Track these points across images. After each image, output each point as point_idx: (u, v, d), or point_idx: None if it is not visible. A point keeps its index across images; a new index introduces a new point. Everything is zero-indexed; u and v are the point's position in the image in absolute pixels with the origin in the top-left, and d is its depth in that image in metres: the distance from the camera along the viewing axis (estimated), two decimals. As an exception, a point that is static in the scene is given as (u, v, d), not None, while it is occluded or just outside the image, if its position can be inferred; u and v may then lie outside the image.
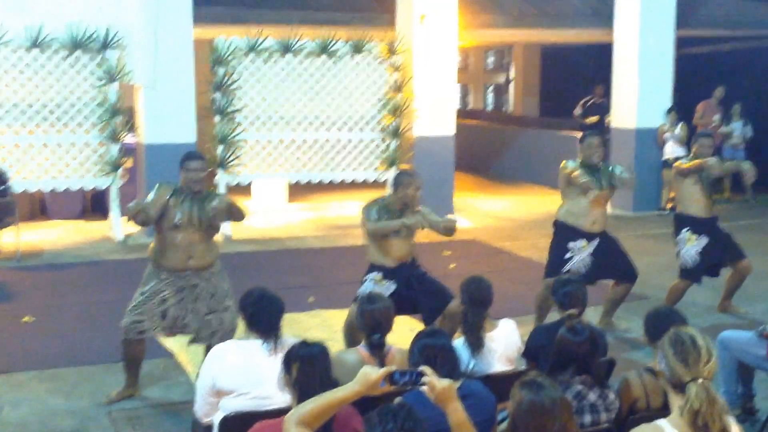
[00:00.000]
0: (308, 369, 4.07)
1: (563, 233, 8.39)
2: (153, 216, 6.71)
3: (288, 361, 4.14)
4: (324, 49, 13.42)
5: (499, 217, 15.09)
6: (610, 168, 8.41)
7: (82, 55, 12.24)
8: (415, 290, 7.37)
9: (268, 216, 14.69)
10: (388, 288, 7.27)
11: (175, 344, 7.77)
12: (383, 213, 7.31)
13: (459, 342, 5.55)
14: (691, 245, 8.76)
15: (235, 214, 6.94)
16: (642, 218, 14.51)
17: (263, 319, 5.07)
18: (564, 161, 8.41)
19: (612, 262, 8.44)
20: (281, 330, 5.08)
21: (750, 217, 14.54)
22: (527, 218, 14.66)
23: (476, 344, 5.57)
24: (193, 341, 6.98)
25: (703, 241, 8.78)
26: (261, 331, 5.05)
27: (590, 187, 8.18)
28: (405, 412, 3.34)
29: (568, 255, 8.26)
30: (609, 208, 14.42)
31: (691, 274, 8.86)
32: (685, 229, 8.85)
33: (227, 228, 12.77)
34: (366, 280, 7.39)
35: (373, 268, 7.42)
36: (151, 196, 6.79)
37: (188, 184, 6.80)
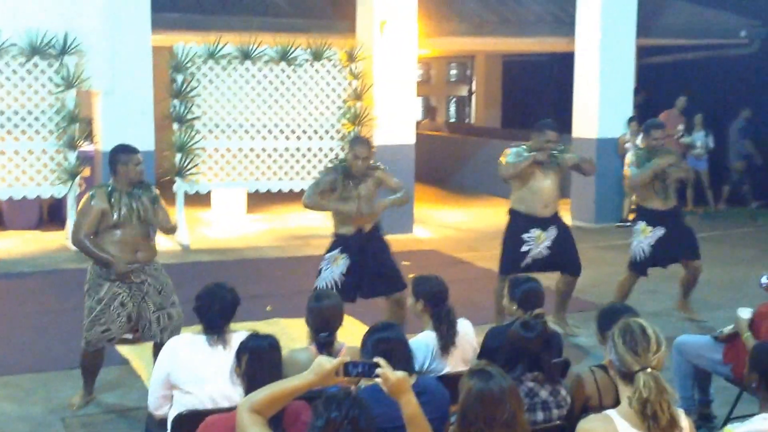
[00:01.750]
0: (256, 362, 4.12)
1: (516, 223, 8.42)
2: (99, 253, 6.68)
3: (239, 353, 4.20)
4: (283, 56, 13.33)
5: (459, 229, 15.05)
6: (561, 151, 8.45)
7: (40, 61, 12.06)
8: (369, 268, 7.55)
9: (226, 226, 14.56)
10: (343, 264, 7.48)
11: (130, 351, 7.74)
12: (335, 175, 7.49)
13: (424, 340, 5.50)
14: (645, 237, 8.83)
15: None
16: (604, 230, 14.50)
17: (206, 313, 5.08)
18: (505, 150, 8.41)
19: (565, 255, 8.48)
20: (227, 325, 5.08)
21: (712, 229, 14.55)
22: (487, 229, 14.57)
23: (451, 342, 5.52)
24: (140, 339, 6.95)
25: (658, 232, 8.80)
26: (204, 325, 5.08)
27: (531, 175, 8.24)
28: (350, 400, 3.31)
29: (524, 248, 8.24)
30: (570, 221, 14.59)
31: (638, 267, 8.95)
32: (641, 221, 8.91)
33: (185, 237, 12.64)
34: (325, 259, 7.56)
35: (335, 238, 7.63)
36: (84, 220, 6.67)
37: (130, 178, 6.75)
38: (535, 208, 8.31)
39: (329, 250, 7.69)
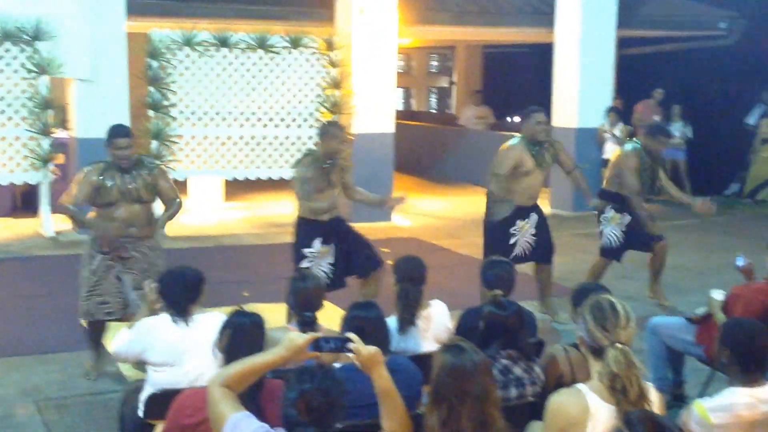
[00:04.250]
0: (237, 338, 4.17)
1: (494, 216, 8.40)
2: (78, 215, 6.88)
3: (222, 327, 4.26)
4: (261, 43, 13.21)
5: (439, 217, 15.03)
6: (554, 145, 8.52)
7: (12, 46, 11.92)
8: (351, 246, 7.67)
9: (203, 214, 14.47)
10: (331, 253, 7.59)
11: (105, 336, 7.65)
12: (314, 169, 7.48)
13: (390, 320, 5.48)
14: (615, 224, 8.94)
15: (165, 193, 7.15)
16: (582, 217, 14.46)
17: (169, 292, 5.16)
18: (506, 145, 8.39)
19: (543, 242, 8.57)
20: (192, 304, 5.11)
21: (688, 217, 14.54)
22: (467, 217, 14.55)
23: (409, 321, 5.59)
24: (111, 314, 6.97)
25: (626, 219, 8.93)
26: (168, 304, 5.15)
27: (531, 171, 8.30)
28: (323, 372, 3.34)
29: (512, 240, 8.27)
30: (549, 209, 14.57)
31: (611, 253, 9.06)
32: (609, 208, 8.98)
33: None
34: (308, 257, 7.55)
35: (305, 223, 7.62)
36: (76, 191, 6.84)
37: (116, 161, 6.85)
38: (522, 200, 8.40)
39: (306, 242, 7.62)
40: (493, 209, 8.41)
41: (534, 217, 8.49)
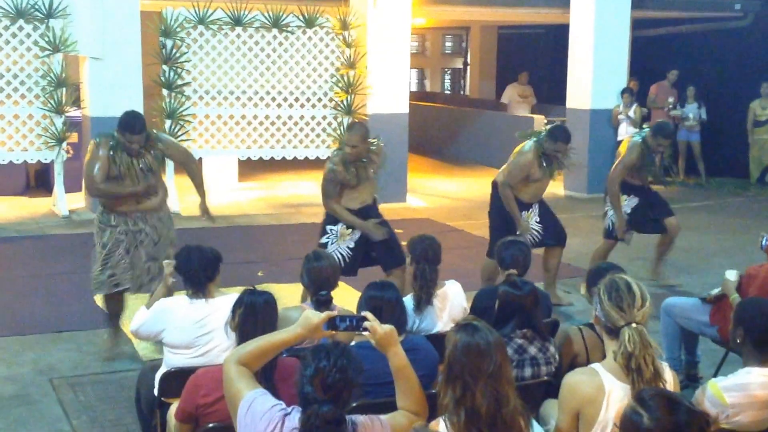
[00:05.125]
0: (249, 316, 4.16)
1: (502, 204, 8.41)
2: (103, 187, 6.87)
3: (234, 306, 4.24)
4: (275, 22, 13.18)
5: (454, 198, 15.00)
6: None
7: (25, 24, 11.92)
8: (375, 242, 7.57)
9: (218, 194, 14.44)
10: (352, 238, 7.52)
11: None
12: (347, 164, 7.45)
13: (406, 299, 5.51)
14: (621, 204, 8.89)
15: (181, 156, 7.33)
16: (596, 199, 14.42)
17: (186, 268, 5.19)
18: (523, 145, 8.37)
19: (552, 226, 8.57)
20: (210, 282, 5.15)
21: (703, 199, 14.62)
22: (481, 199, 14.39)
23: (426, 300, 5.60)
24: (119, 287, 7.01)
25: (633, 201, 8.99)
26: (186, 281, 5.18)
27: (539, 179, 8.36)
28: (339, 350, 3.33)
29: (518, 231, 8.25)
30: (563, 191, 14.56)
31: (612, 234, 9.06)
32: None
33: (176, 204, 12.54)
34: (329, 234, 7.53)
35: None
36: (96, 170, 6.83)
37: (126, 147, 6.85)
38: (524, 198, 8.43)
39: (331, 223, 7.62)
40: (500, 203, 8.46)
41: (535, 206, 8.52)
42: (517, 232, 8.07)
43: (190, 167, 7.46)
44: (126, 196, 6.87)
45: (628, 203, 8.97)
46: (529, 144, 8.35)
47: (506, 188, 8.31)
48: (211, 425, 4.08)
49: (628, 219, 8.93)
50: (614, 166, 8.97)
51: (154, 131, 7.42)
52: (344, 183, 7.48)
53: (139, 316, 5.29)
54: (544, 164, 8.28)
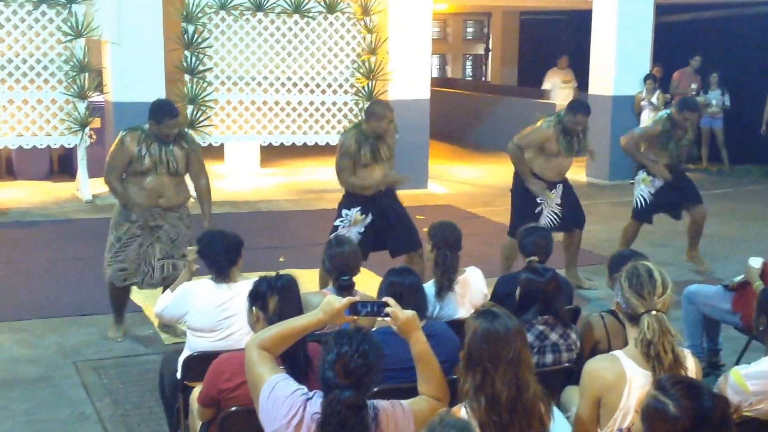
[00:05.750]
0: (287, 299, 4.10)
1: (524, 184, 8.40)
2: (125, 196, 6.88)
3: (263, 297, 4.13)
4: (297, 8, 13.16)
5: (475, 184, 14.97)
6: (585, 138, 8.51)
7: (48, 9, 11.96)
8: (390, 223, 7.60)
9: (239, 180, 14.50)
10: (362, 224, 7.52)
11: (144, 299, 7.79)
12: (361, 140, 7.43)
13: (427, 285, 5.51)
14: (646, 186, 9.04)
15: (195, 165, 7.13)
16: (618, 186, 14.41)
17: (209, 252, 5.22)
18: (542, 121, 8.37)
19: (573, 209, 8.58)
20: (233, 266, 5.19)
21: (726, 186, 14.55)
22: (503, 185, 14.31)
23: (447, 286, 5.60)
24: (138, 284, 7.05)
25: (658, 182, 8.98)
26: (208, 265, 5.22)
27: (558, 153, 8.33)
28: (361, 335, 3.35)
29: (537, 210, 8.26)
30: (585, 177, 14.51)
31: (640, 215, 9.14)
32: (642, 170, 9.07)
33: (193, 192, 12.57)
34: (342, 218, 7.56)
35: (348, 196, 7.59)
36: (117, 162, 6.87)
37: (160, 136, 6.82)
38: (547, 175, 8.42)
39: (346, 207, 7.63)
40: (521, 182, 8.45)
41: (560, 187, 8.52)
42: (535, 193, 8.14)
43: (201, 181, 7.22)
44: (145, 192, 6.87)
45: (653, 183, 8.98)
46: (548, 119, 8.38)
47: (515, 148, 8.35)
48: (233, 409, 4.09)
49: (650, 200, 8.96)
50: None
51: (184, 130, 7.42)
52: (356, 159, 7.47)
53: (163, 299, 5.33)
54: (564, 140, 8.25)
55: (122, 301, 7.20)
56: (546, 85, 19.53)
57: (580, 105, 8.47)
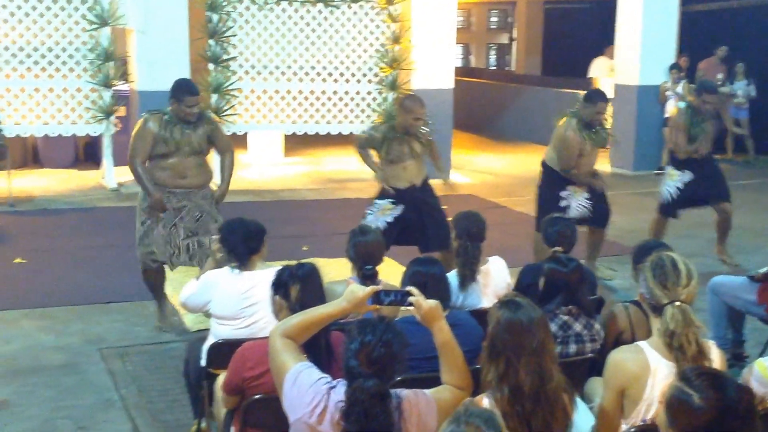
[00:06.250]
0: (309, 287, 4.12)
1: (551, 179, 8.38)
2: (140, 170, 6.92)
3: (285, 286, 4.15)
4: (321, -3, 13.17)
5: (498, 174, 14.96)
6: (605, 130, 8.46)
7: (74, -3, 12.02)
8: (422, 218, 7.58)
9: (263, 169, 14.54)
10: (393, 213, 7.50)
11: (171, 289, 7.74)
12: (387, 134, 7.46)
13: (451, 275, 5.50)
14: (672, 180, 9.05)
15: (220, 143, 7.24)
16: (642, 177, 14.36)
17: (229, 242, 5.24)
18: (566, 119, 8.29)
19: (599, 206, 8.47)
20: (254, 254, 5.21)
21: (751, 177, 14.46)
22: (526, 175, 14.45)
23: (470, 276, 5.60)
24: (166, 262, 7.10)
25: (686, 176, 8.95)
26: (229, 253, 5.23)
27: (588, 152, 8.27)
28: (384, 324, 3.34)
29: (562, 204, 8.22)
30: (609, 168, 14.44)
31: (666, 209, 9.11)
32: (669, 166, 9.12)
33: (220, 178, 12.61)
34: (372, 206, 7.59)
35: (383, 188, 7.58)
36: (141, 145, 6.89)
37: (181, 116, 6.85)
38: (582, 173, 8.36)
39: (379, 197, 7.64)
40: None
41: None
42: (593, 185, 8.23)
43: (226, 156, 7.35)
44: (168, 172, 6.92)
45: (681, 179, 8.94)
46: (566, 121, 8.24)
47: (569, 175, 8.25)
48: (257, 397, 4.11)
49: (677, 195, 8.94)
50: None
51: (205, 110, 7.46)
52: (378, 150, 7.53)
53: (188, 288, 5.36)
54: (587, 136, 8.18)
55: (158, 284, 7.23)
56: (592, 73, 19.34)
57: (597, 93, 8.40)
